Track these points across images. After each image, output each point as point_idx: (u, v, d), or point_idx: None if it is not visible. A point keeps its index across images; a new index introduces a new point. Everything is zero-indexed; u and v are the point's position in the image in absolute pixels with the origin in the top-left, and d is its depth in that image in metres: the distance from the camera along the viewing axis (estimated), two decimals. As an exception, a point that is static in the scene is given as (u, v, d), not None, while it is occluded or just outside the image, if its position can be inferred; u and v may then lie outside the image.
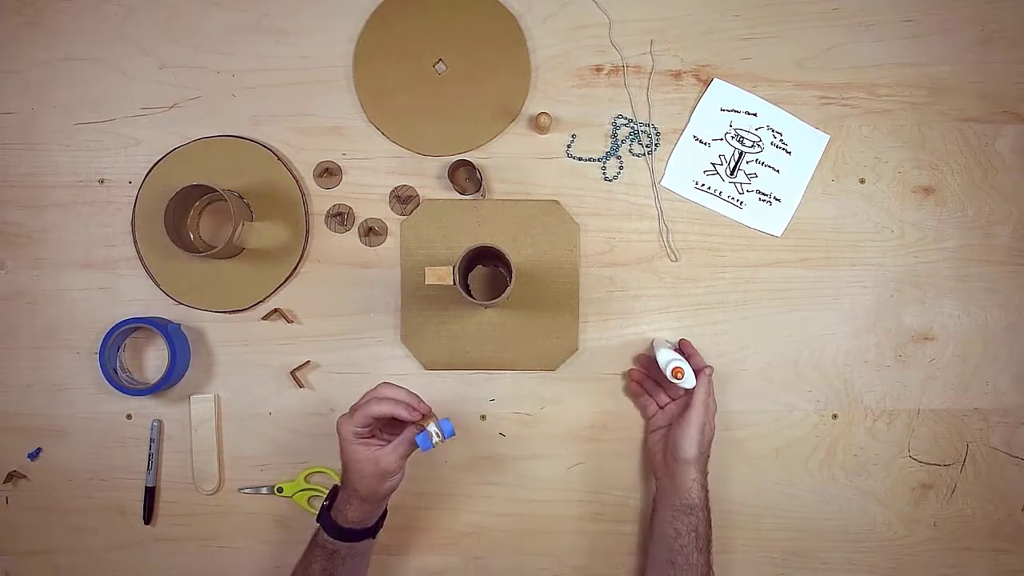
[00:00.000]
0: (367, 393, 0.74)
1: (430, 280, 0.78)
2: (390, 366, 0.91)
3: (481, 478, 0.91)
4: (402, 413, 0.72)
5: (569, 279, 0.89)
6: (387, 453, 0.72)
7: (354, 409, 0.73)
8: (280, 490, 0.90)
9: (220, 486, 0.91)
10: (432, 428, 0.72)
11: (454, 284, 0.78)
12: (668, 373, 0.80)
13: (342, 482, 0.76)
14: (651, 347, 0.90)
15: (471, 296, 0.80)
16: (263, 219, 0.91)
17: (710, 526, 0.81)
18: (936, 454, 0.91)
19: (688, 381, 0.80)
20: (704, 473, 0.83)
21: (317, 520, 0.77)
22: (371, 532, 0.78)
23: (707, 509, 0.81)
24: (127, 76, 0.92)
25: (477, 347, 0.90)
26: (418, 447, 0.72)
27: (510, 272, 0.80)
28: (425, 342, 0.90)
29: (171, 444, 0.92)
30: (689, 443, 0.81)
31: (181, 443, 0.91)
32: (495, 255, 0.81)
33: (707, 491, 0.82)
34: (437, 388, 0.91)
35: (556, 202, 0.90)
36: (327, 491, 0.79)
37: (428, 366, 0.90)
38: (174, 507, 0.92)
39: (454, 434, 0.73)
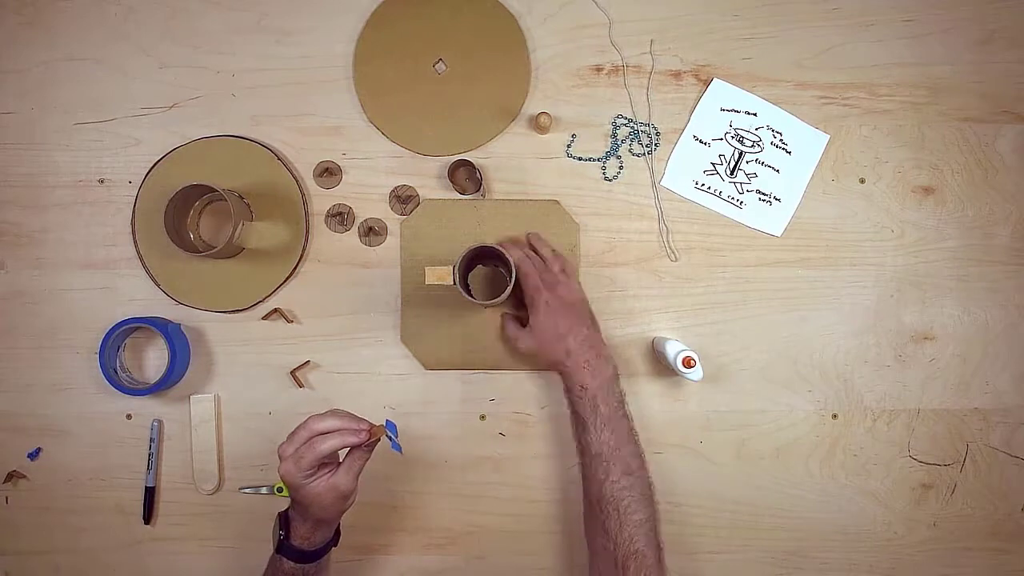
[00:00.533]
0: (297, 433, 0.70)
1: (430, 280, 0.78)
2: (390, 366, 0.91)
3: (481, 478, 0.91)
4: (352, 441, 0.70)
5: None
6: (342, 476, 0.71)
7: (297, 456, 0.69)
8: (280, 490, 0.90)
9: (220, 486, 0.91)
10: (390, 434, 0.71)
11: (454, 284, 0.78)
12: (678, 363, 0.80)
13: (301, 515, 0.74)
14: (653, 345, 0.90)
15: (471, 296, 0.80)
16: (263, 219, 0.91)
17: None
18: (936, 454, 0.91)
19: (696, 372, 0.80)
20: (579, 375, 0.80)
21: (277, 552, 0.75)
22: (335, 540, 0.78)
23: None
24: (127, 76, 0.92)
25: (477, 347, 0.89)
26: (392, 449, 0.72)
27: (510, 272, 0.80)
28: (425, 342, 0.90)
29: (171, 444, 0.92)
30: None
31: (181, 443, 0.91)
32: (495, 255, 0.81)
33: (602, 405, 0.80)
34: (437, 388, 0.91)
35: (556, 202, 0.90)
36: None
37: (428, 366, 0.90)
38: (174, 507, 0.92)
39: (396, 426, 0.72)
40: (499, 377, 0.91)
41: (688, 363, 0.80)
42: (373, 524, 0.90)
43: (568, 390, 0.82)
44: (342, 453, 0.72)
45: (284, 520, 0.76)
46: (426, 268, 0.78)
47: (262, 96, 0.92)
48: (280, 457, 0.71)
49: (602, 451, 0.78)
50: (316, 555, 0.75)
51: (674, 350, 0.82)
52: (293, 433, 0.71)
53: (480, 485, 0.91)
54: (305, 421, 0.71)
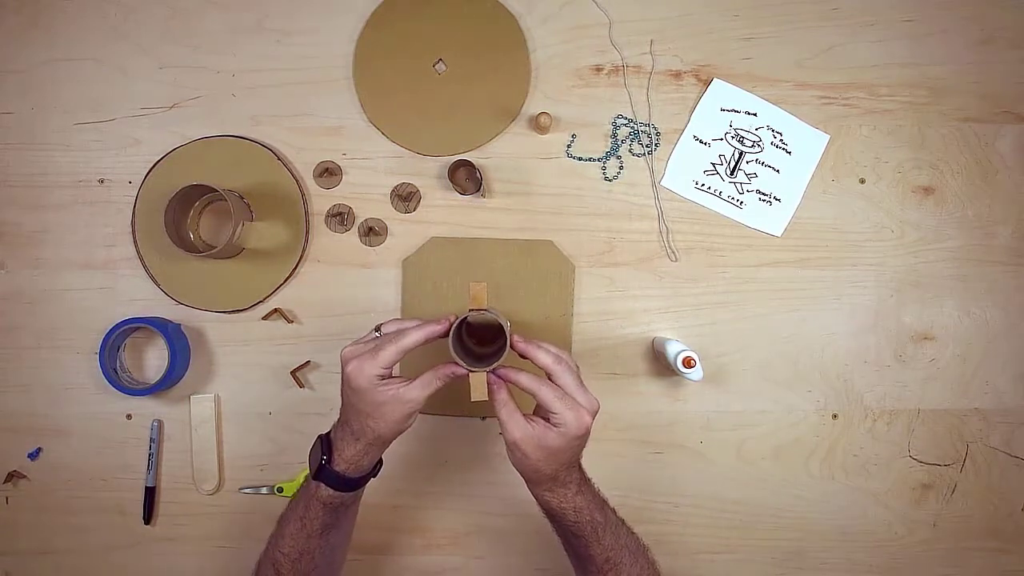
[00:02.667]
0: (368, 334, 0.69)
1: (476, 397, 0.70)
2: (390, 366, 0.91)
3: (481, 478, 0.91)
4: (436, 330, 0.67)
5: (563, 324, 0.89)
6: (415, 390, 0.67)
7: (375, 351, 0.66)
8: (280, 490, 0.90)
9: (220, 486, 0.91)
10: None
11: (452, 353, 0.71)
12: (678, 363, 0.80)
13: (353, 432, 0.69)
14: (653, 345, 0.90)
15: (466, 364, 0.73)
16: (263, 219, 0.91)
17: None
18: (936, 454, 0.91)
19: (696, 372, 0.80)
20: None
21: (316, 478, 0.70)
22: (377, 469, 0.74)
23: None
24: (127, 76, 0.92)
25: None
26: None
27: (505, 334, 0.78)
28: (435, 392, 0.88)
29: (171, 444, 0.92)
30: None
31: (181, 443, 0.91)
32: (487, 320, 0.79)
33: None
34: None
35: (550, 242, 0.90)
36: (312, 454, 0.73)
37: (441, 411, 0.90)
38: (174, 507, 0.92)
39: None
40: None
41: (688, 363, 0.80)
42: (373, 524, 0.90)
43: (555, 510, 0.71)
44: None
45: (326, 444, 0.71)
46: (472, 380, 0.70)
47: (262, 96, 0.92)
48: (345, 360, 0.67)
49: (609, 556, 0.71)
50: (357, 483, 0.71)
51: (674, 350, 0.82)
52: (370, 336, 0.69)
53: (480, 485, 0.91)
54: (384, 324, 0.70)
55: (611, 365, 0.91)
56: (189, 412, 0.91)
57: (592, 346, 0.91)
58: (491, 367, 0.71)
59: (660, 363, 0.90)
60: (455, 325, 0.72)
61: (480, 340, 0.87)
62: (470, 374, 0.70)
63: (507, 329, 0.74)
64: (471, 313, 0.74)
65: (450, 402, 0.87)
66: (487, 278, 0.90)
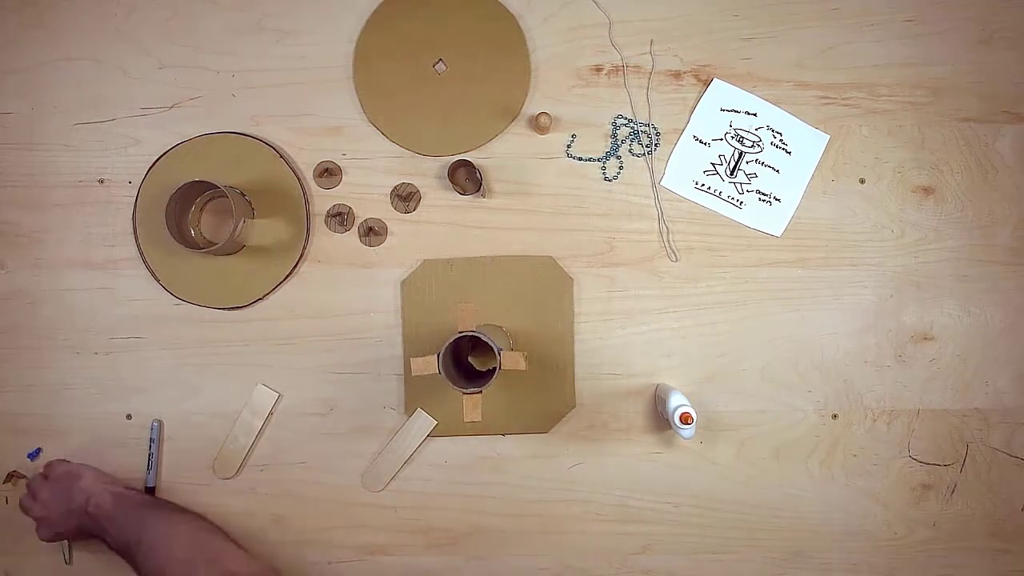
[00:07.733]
0: None
1: (416, 372, 0.78)
2: (390, 366, 0.91)
3: (481, 478, 0.91)
4: None
5: (564, 340, 0.89)
6: None
7: None
8: None
9: (237, 474, 0.91)
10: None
11: (438, 372, 0.77)
12: (676, 418, 0.79)
13: None
14: (656, 391, 0.89)
15: (458, 385, 0.79)
16: (264, 216, 0.91)
17: None
18: (936, 454, 0.91)
19: (690, 430, 0.79)
20: None
21: None
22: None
23: None
24: (127, 76, 0.92)
25: (484, 411, 0.89)
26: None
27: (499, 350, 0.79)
28: (430, 411, 0.90)
29: (171, 444, 0.92)
30: None
31: (181, 443, 0.91)
32: (478, 339, 0.80)
33: None
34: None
35: (550, 257, 0.90)
36: None
37: (436, 432, 0.90)
38: (174, 507, 0.92)
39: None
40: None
41: (686, 419, 0.79)
42: (373, 524, 0.90)
43: None
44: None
45: None
46: (411, 360, 0.78)
47: (262, 96, 0.92)
48: None
49: None
50: None
51: (675, 403, 0.81)
52: None
53: (480, 485, 0.91)
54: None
55: (611, 365, 0.91)
56: (250, 398, 0.90)
57: (592, 346, 0.91)
58: (479, 389, 0.77)
59: (656, 411, 0.90)
60: (441, 352, 0.76)
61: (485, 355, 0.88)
62: (464, 395, 0.72)
63: (496, 349, 0.75)
64: (461, 335, 0.76)
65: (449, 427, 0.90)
66: (486, 294, 0.90)
